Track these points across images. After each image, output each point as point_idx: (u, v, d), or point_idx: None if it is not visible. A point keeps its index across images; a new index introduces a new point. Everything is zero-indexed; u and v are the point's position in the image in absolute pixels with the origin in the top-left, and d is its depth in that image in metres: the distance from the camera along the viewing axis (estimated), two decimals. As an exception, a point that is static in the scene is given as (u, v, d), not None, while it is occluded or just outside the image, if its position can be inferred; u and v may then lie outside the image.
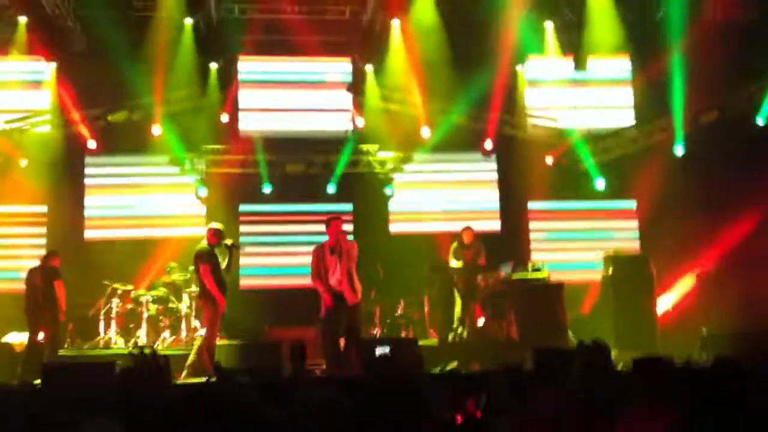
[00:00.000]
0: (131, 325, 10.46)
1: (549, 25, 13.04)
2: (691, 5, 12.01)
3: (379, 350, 7.80)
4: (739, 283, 10.39)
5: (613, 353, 9.32)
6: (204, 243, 8.88)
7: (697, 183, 11.99)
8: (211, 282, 8.63)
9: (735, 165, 11.81)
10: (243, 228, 12.75)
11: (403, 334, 10.89)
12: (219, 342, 9.36)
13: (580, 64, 13.41)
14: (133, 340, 10.24)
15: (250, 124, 13.10)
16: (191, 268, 10.59)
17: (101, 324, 10.54)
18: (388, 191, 13.04)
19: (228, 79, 12.97)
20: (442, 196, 13.17)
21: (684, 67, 12.20)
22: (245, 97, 13.15)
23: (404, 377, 6.23)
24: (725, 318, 9.58)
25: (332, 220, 8.94)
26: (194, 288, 10.64)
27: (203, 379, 8.29)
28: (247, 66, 13.22)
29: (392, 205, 13.15)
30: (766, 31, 11.59)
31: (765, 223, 11.25)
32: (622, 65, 13.57)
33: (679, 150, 12.39)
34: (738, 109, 12.21)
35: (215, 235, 8.89)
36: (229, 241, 8.98)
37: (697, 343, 8.98)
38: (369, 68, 13.16)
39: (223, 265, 8.87)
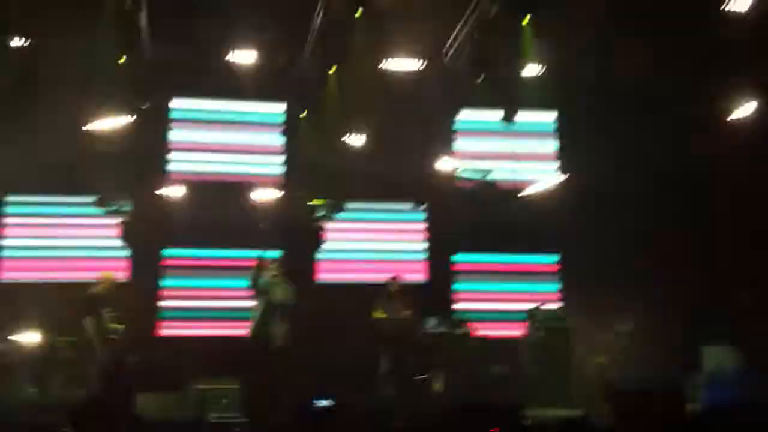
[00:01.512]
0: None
1: (479, 79, 13.29)
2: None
3: (320, 403, 7.71)
4: (655, 340, 10.67)
5: (533, 410, 9.52)
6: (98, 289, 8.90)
7: (619, 238, 12.28)
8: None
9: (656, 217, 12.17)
10: (169, 271, 12.58)
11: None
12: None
13: (508, 118, 13.71)
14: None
15: (179, 165, 12.95)
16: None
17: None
18: (317, 239, 13.02)
19: (158, 119, 12.85)
20: (370, 246, 13.22)
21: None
22: (176, 137, 13.02)
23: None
24: (643, 374, 9.80)
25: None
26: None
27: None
28: (179, 106, 13.10)
29: (320, 254, 13.13)
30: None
31: (677, 281, 11.58)
32: (550, 118, 13.92)
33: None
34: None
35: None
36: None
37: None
38: (303, 114, 13.19)
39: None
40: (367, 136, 12.65)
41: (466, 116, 13.79)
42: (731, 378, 9.35)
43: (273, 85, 12.80)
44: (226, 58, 11.88)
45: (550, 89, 13.04)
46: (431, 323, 10.56)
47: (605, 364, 10.86)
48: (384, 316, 10.77)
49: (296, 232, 12.88)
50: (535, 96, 13.28)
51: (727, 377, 9.37)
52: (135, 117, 12.35)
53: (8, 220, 12.28)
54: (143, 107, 12.48)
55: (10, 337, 10.17)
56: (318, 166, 13.04)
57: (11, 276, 12.01)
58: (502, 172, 13.48)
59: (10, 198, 12.26)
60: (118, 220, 12.40)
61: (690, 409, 8.64)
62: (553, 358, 10.36)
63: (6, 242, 12.20)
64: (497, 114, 13.53)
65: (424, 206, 13.49)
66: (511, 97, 13.34)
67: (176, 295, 12.51)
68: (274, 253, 12.52)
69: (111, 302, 9.22)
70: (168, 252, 12.67)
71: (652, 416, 7.21)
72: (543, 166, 13.76)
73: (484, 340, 10.49)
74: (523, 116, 13.58)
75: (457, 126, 13.76)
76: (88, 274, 11.66)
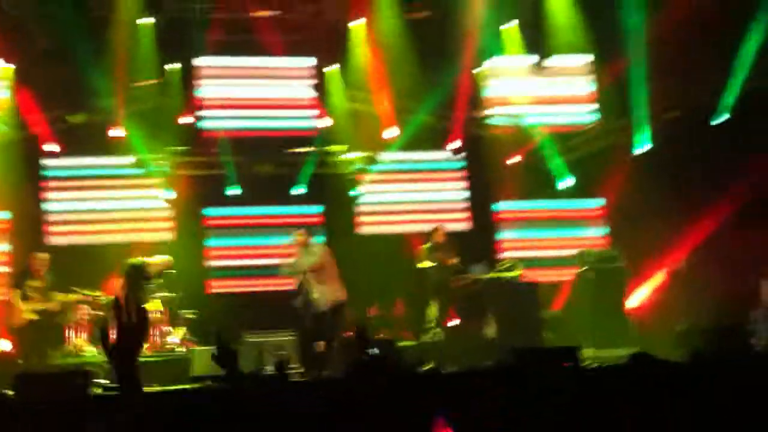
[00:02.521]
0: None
1: (511, 24, 13.15)
2: (652, 3, 12.17)
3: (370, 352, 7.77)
4: (708, 277, 10.61)
5: (590, 351, 9.52)
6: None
7: (663, 179, 12.14)
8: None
9: (698, 161, 12.02)
10: (211, 231, 12.60)
11: (377, 336, 10.83)
12: (195, 348, 9.62)
13: (541, 64, 13.56)
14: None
15: (213, 123, 12.83)
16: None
17: (69, 331, 10.23)
18: (356, 192, 12.96)
19: (190, 78, 12.75)
20: (410, 196, 13.14)
21: (646, 65, 12.37)
22: (207, 96, 12.89)
23: (388, 377, 6.19)
24: (696, 313, 9.77)
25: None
26: (165, 293, 10.52)
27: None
28: (209, 62, 12.94)
29: (361, 206, 13.05)
30: (724, 28, 11.82)
31: (730, 219, 11.48)
32: (584, 61, 13.67)
33: (642, 147, 12.58)
34: (701, 105, 12.42)
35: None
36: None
37: (671, 340, 9.11)
38: (333, 68, 13.06)
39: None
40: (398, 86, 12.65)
41: (498, 63, 13.52)
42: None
43: (299, 39, 12.69)
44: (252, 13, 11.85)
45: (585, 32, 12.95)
46: (478, 269, 10.51)
47: (660, 304, 10.85)
48: (430, 264, 10.73)
49: (335, 186, 12.86)
50: (569, 39, 13.18)
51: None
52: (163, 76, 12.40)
53: (50, 184, 12.25)
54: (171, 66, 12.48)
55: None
56: (350, 119, 13.03)
57: (56, 240, 12.00)
58: (536, 116, 13.30)
59: (49, 161, 12.20)
60: (158, 180, 12.35)
61: (754, 344, 8.67)
62: (605, 299, 10.31)
63: (49, 206, 12.20)
64: (530, 59, 13.43)
65: (462, 154, 13.35)
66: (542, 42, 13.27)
67: (223, 254, 12.58)
68: (316, 209, 12.67)
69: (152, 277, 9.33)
70: (209, 211, 12.65)
71: (718, 352, 7.22)
72: (578, 109, 13.57)
73: (534, 284, 10.43)
74: (557, 60, 13.52)
75: (489, 74, 13.50)
76: (132, 236, 11.79)
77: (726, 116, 12.02)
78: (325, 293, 9.48)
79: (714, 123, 12.08)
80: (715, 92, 12.17)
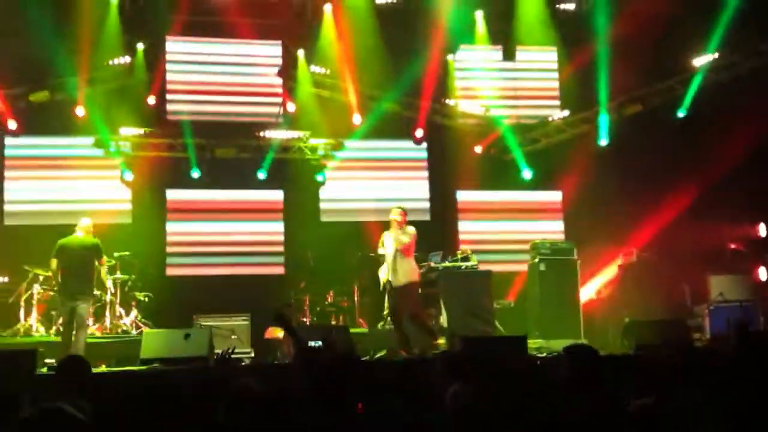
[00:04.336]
0: (53, 312, 10.14)
1: (479, 15, 13.22)
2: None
3: (311, 343, 7.80)
4: (659, 272, 10.75)
5: (539, 342, 9.64)
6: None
7: (620, 174, 12.30)
8: None
9: (657, 157, 12.17)
10: (170, 215, 12.55)
11: (333, 323, 10.88)
12: (148, 330, 9.55)
13: (509, 55, 13.66)
14: (54, 327, 9.96)
15: (178, 106, 12.82)
16: (116, 254, 10.52)
17: (21, 311, 10.22)
18: (319, 178, 12.95)
19: (155, 59, 12.69)
20: (372, 184, 13.14)
21: (609, 59, 12.48)
22: (173, 78, 12.87)
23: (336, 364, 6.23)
24: (645, 307, 9.91)
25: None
26: (119, 275, 10.50)
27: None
28: (176, 47, 12.94)
29: (323, 193, 13.03)
30: (688, 24, 11.95)
31: (684, 214, 11.63)
32: (550, 56, 13.81)
33: (603, 141, 12.71)
34: (661, 101, 12.57)
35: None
36: None
37: (619, 332, 9.25)
38: (300, 53, 13.04)
39: None
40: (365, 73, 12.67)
41: (465, 54, 13.57)
42: (737, 307, 9.48)
43: (266, 23, 12.65)
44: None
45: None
46: (435, 258, 10.55)
47: (610, 297, 11.00)
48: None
49: (297, 172, 12.85)
50: (537, 31, 13.28)
51: (733, 306, 9.50)
52: (132, 57, 12.33)
53: (8, 163, 12.15)
54: (140, 48, 12.41)
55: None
56: (315, 105, 13.01)
57: (11, 220, 11.92)
58: (501, 108, 13.39)
59: (8, 141, 12.10)
60: (118, 161, 12.28)
61: (698, 338, 8.83)
62: (556, 290, 10.42)
63: (6, 185, 12.09)
64: (497, 50, 13.53)
65: (425, 143, 13.39)
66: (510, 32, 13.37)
67: (181, 239, 12.52)
68: (277, 195, 12.68)
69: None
70: (171, 194, 12.61)
71: (664, 345, 7.36)
72: (542, 102, 13.70)
73: (488, 273, 10.49)
74: (523, 52, 13.64)
75: (456, 64, 13.54)
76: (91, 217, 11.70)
77: (684, 112, 12.17)
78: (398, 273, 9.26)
79: (678, 117, 12.25)
80: (676, 89, 12.31)
